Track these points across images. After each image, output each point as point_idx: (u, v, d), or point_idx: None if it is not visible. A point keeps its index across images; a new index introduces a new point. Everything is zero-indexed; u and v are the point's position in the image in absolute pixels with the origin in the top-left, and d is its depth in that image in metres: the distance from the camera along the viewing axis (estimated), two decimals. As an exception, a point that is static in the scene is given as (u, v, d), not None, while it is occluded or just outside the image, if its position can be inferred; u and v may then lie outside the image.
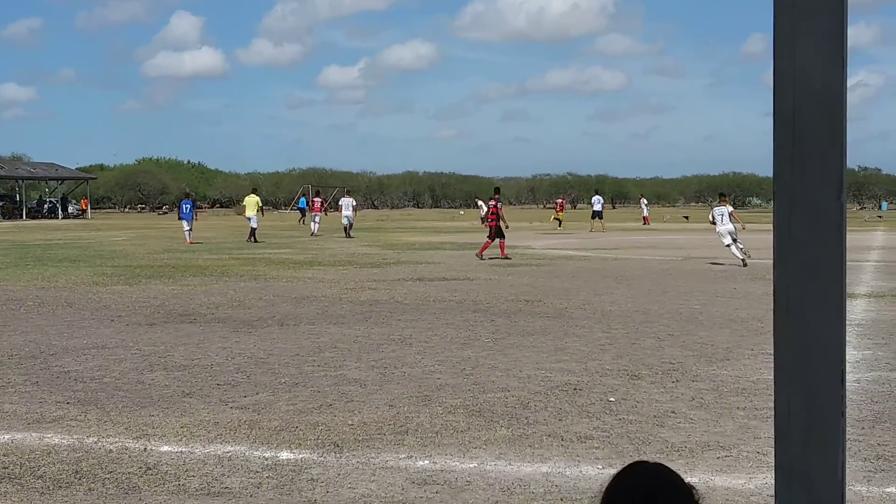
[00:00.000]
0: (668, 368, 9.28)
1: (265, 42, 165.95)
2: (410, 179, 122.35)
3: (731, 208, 23.88)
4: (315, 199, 48.34)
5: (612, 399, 7.94)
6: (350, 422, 7.18)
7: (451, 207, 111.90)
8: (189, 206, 35.08)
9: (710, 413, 7.46)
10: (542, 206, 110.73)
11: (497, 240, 25.00)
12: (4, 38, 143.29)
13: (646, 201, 59.61)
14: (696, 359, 9.83)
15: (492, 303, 14.93)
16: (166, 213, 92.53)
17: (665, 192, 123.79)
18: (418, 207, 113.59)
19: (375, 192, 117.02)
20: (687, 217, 61.30)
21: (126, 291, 16.71)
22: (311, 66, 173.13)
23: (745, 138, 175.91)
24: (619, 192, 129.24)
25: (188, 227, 33.71)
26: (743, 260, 21.95)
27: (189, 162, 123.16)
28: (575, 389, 8.31)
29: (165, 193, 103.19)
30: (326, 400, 7.89)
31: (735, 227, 23.01)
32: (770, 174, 1.43)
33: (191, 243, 31.94)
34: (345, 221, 39.09)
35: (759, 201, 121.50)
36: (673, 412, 7.49)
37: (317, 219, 42.22)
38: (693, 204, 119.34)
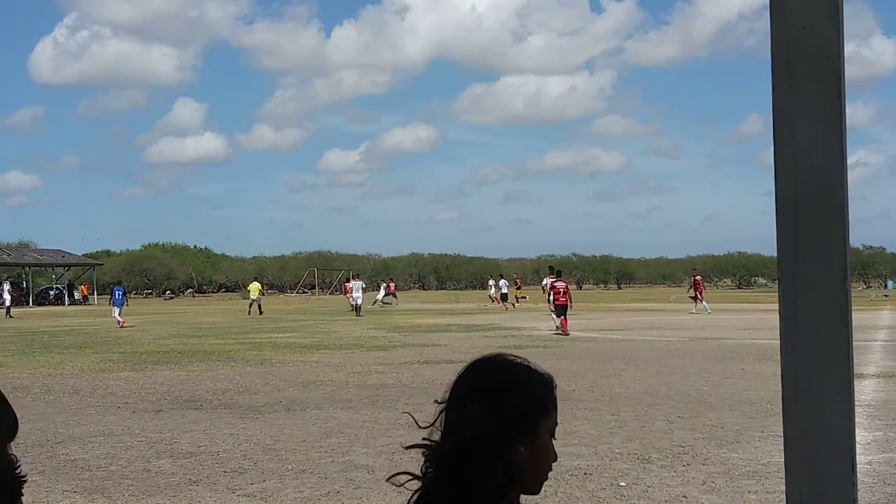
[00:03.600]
0: (679, 452, 9.20)
1: (266, 127, 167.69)
2: (415, 261, 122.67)
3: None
4: (346, 284, 54.16)
5: (622, 484, 7.87)
6: (358, 508, 7.11)
7: (455, 289, 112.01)
8: (121, 292, 38.25)
9: (722, 497, 7.39)
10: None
11: (561, 317, 27.01)
12: (8, 126, 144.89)
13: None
14: (707, 441, 9.75)
15: (499, 386, 14.83)
16: (171, 298, 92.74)
17: (670, 273, 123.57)
18: (423, 289, 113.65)
19: (381, 274, 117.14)
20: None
21: (132, 378, 16.68)
22: (312, 150, 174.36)
23: (746, 218, 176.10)
24: (625, 273, 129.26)
25: (117, 314, 35.87)
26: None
27: (195, 246, 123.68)
28: (585, 474, 8.24)
29: (172, 279, 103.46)
30: (334, 487, 7.83)
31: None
32: (774, 254, 1.46)
33: (121, 326, 33.87)
34: (354, 302, 42.03)
35: (765, 281, 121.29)
36: (684, 496, 7.41)
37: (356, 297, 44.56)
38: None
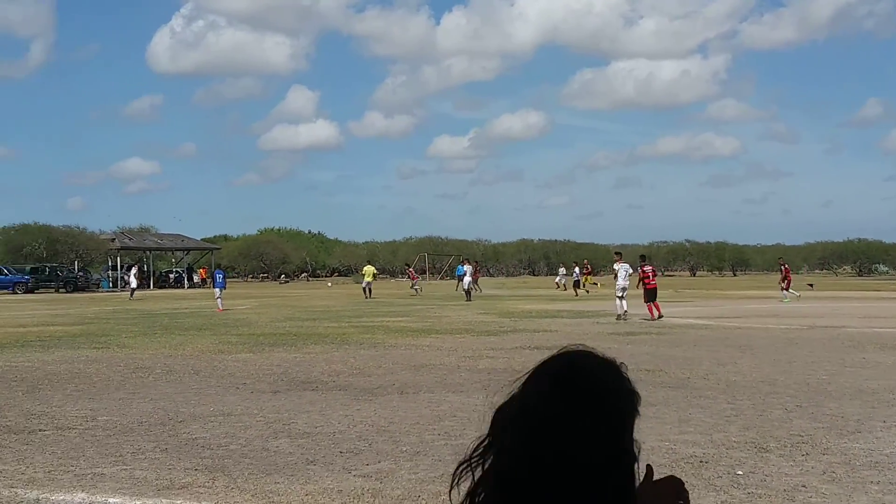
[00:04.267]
0: (798, 441, 9.00)
1: (377, 114, 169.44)
2: (525, 247, 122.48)
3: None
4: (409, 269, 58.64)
5: (739, 472, 7.74)
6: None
7: (566, 275, 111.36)
8: (221, 275, 39.15)
9: (843, 487, 7.21)
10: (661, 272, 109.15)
11: (650, 302, 27.89)
12: (128, 115, 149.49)
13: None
14: (826, 431, 9.51)
15: (611, 372, 14.73)
16: (287, 281, 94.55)
17: (788, 260, 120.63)
18: (533, 275, 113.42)
19: (490, 260, 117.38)
20: (811, 285, 59.54)
21: (250, 359, 17.08)
22: (422, 136, 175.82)
23: (867, 204, 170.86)
24: (740, 260, 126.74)
25: (219, 296, 36.42)
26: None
27: (309, 232, 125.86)
28: (701, 462, 8.14)
29: (287, 263, 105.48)
30: (448, 469, 7.85)
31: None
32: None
33: (222, 311, 34.29)
34: (465, 286, 41.52)
35: (886, 268, 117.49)
36: (803, 486, 7.25)
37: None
38: (818, 271, 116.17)
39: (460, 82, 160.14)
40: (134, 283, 52.46)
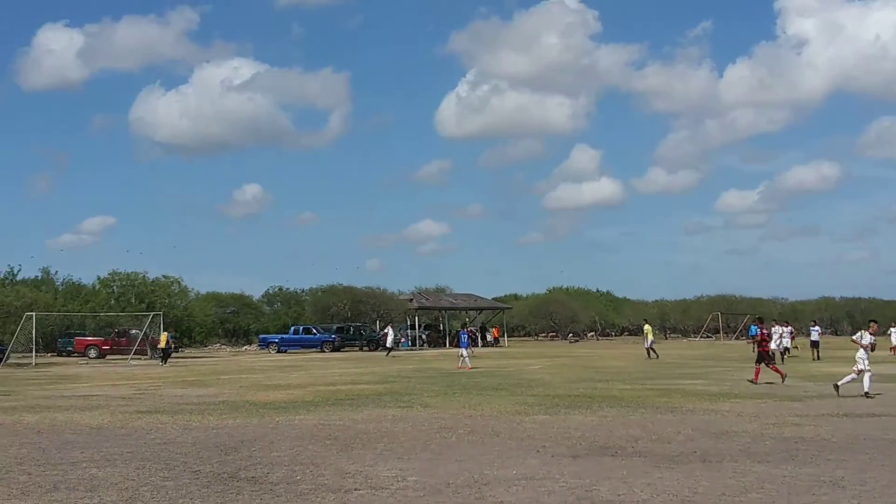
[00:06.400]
0: None
1: (659, 170, 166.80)
2: (826, 305, 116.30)
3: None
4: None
5: None
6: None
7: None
8: (465, 336, 42.02)
9: None
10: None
11: (762, 364, 27.36)
12: (419, 179, 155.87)
13: None
14: None
15: (932, 444, 13.76)
16: (576, 340, 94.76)
17: None
18: (835, 335, 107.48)
19: (789, 319, 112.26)
20: None
21: (547, 421, 17.26)
22: (708, 191, 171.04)
23: None
24: None
25: (465, 354, 39.58)
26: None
27: (598, 290, 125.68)
28: None
29: (576, 322, 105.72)
30: (759, 545, 7.65)
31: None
32: None
33: (469, 369, 37.21)
34: (776, 346, 40.98)
35: None
36: None
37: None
38: None
39: (746, 135, 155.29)
40: (389, 341, 57.01)
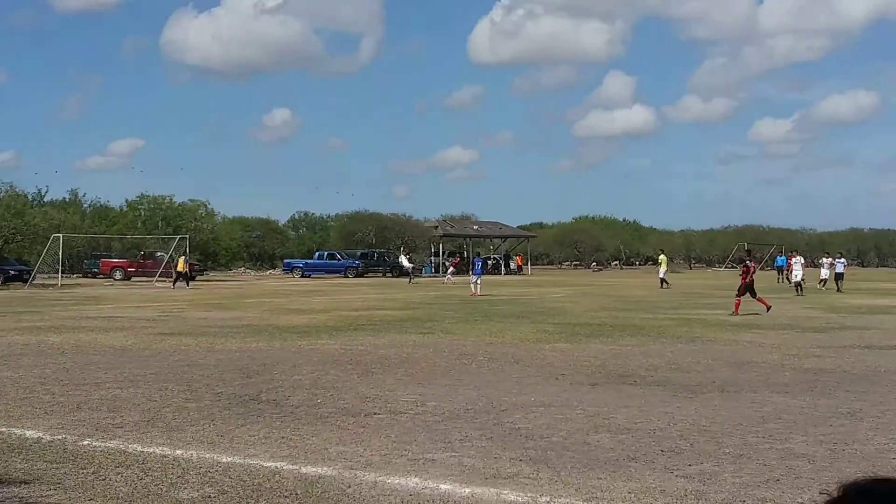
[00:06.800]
0: None
1: (694, 98, 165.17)
2: (854, 237, 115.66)
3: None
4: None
5: None
6: (800, 499, 6.94)
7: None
8: (480, 263, 41.91)
9: None
10: None
11: (745, 296, 27.25)
12: (450, 106, 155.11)
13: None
14: None
15: (954, 377, 13.71)
16: (599, 269, 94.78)
17: None
18: (863, 266, 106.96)
19: (816, 250, 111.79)
20: None
21: (567, 349, 17.31)
22: (742, 120, 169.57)
23: None
24: None
25: (476, 280, 39.58)
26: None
27: (624, 220, 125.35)
28: None
29: (601, 251, 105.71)
30: (773, 474, 7.67)
31: None
32: None
33: (477, 295, 37.56)
34: (796, 278, 41.52)
35: None
36: None
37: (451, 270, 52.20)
38: None
39: (784, 63, 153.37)
40: (409, 267, 58.41)
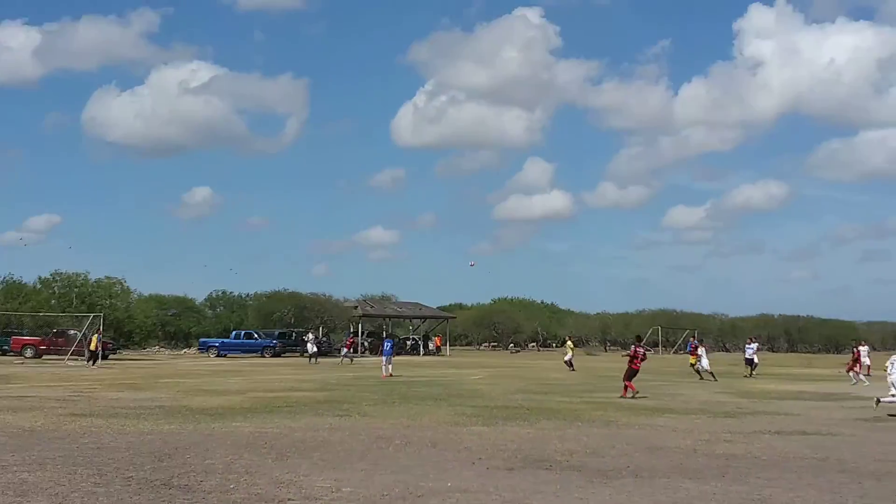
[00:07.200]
0: None
1: (611, 185, 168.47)
2: (765, 322, 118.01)
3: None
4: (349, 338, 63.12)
5: None
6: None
7: (807, 352, 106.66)
8: (390, 344, 40.93)
9: None
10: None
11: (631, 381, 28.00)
12: (373, 186, 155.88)
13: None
14: None
15: (858, 462, 14.06)
16: (517, 351, 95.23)
17: None
18: (772, 351, 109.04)
19: (728, 335, 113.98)
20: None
21: (485, 433, 17.35)
22: (657, 207, 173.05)
23: None
24: None
25: (387, 363, 39.01)
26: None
27: (542, 302, 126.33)
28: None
29: (519, 332, 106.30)
30: (684, 562, 7.78)
31: None
32: None
33: (386, 377, 37.42)
34: (704, 367, 40.71)
35: None
36: None
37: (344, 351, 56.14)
38: None
39: (698, 153, 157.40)
40: (312, 349, 57.21)
